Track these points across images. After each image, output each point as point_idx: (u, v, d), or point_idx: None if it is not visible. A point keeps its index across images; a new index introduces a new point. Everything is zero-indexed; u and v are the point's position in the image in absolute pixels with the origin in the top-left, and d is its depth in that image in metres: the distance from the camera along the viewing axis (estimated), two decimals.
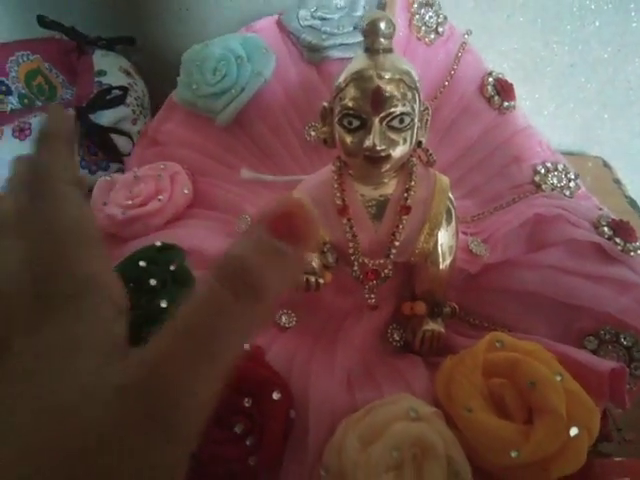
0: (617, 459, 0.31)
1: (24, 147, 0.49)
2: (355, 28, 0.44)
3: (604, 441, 0.32)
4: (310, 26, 0.45)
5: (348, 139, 0.31)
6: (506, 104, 0.45)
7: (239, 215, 0.42)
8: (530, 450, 0.26)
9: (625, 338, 0.33)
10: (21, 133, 0.50)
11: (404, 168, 0.33)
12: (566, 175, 0.43)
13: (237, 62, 0.44)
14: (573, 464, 0.27)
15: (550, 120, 0.63)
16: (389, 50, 0.30)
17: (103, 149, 0.53)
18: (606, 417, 0.31)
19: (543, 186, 0.43)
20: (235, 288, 0.15)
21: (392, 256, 0.33)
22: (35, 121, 0.50)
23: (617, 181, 0.59)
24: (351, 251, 0.33)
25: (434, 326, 0.35)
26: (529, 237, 0.38)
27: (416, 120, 0.31)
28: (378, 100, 0.29)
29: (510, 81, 0.46)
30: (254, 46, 0.44)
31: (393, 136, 0.30)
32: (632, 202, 0.56)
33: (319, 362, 0.33)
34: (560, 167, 0.44)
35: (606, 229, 0.38)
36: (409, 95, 0.30)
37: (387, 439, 0.26)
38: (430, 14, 0.45)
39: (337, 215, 0.33)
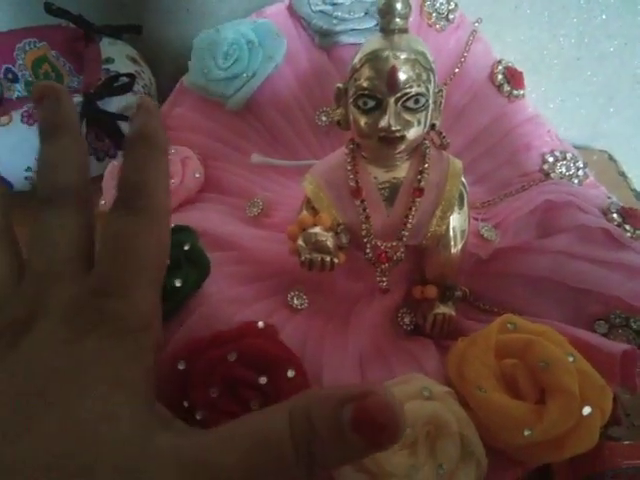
0: (626, 442, 0.32)
1: (33, 132, 0.49)
2: (366, 14, 0.44)
3: (614, 425, 0.32)
4: (321, 11, 0.44)
5: (363, 120, 0.31)
6: (515, 92, 0.45)
7: (250, 199, 0.42)
8: (544, 429, 0.26)
9: (635, 322, 0.33)
10: (30, 118, 0.50)
11: (417, 151, 0.33)
12: (575, 164, 0.43)
13: (248, 47, 0.43)
14: (586, 442, 0.27)
15: (556, 113, 0.63)
16: (405, 30, 0.30)
17: (111, 136, 0.53)
18: (616, 401, 0.31)
19: (552, 174, 0.43)
20: None
21: (404, 239, 0.33)
22: None
23: (622, 174, 0.60)
24: (364, 233, 0.33)
25: (445, 309, 0.35)
26: (539, 223, 0.38)
27: (430, 101, 0.31)
28: (394, 80, 0.29)
29: (520, 69, 0.46)
30: (266, 31, 0.44)
31: (408, 117, 0.30)
32: (638, 195, 0.56)
33: (331, 343, 0.33)
34: (569, 156, 0.44)
35: (615, 216, 0.38)
36: (424, 76, 0.30)
37: None
38: (441, 1, 0.45)
39: (350, 197, 0.33)
